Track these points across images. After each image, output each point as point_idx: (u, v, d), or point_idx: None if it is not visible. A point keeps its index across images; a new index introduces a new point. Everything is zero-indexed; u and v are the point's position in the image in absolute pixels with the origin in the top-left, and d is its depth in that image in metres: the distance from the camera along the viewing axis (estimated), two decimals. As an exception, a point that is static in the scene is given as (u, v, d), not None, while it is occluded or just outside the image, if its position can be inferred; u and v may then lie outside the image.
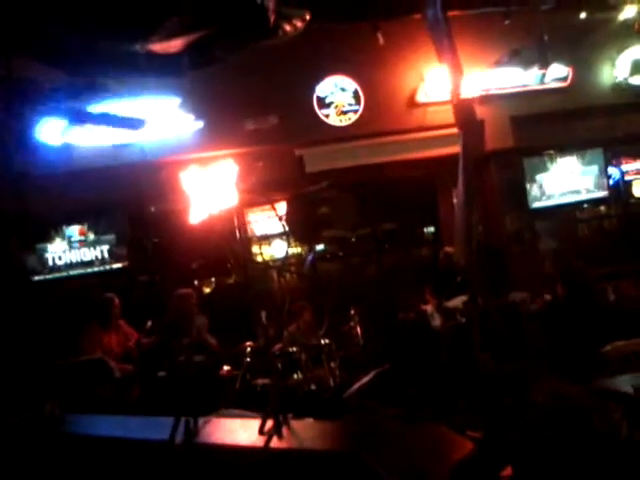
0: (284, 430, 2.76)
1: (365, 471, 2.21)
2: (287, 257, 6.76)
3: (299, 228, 6.88)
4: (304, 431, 2.85)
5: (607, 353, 4.58)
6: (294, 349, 5.40)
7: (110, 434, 3.18)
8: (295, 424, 2.88)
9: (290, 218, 5.99)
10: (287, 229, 3.92)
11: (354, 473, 2.27)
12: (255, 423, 2.94)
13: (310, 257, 5.32)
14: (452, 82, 4.27)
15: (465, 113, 4.00)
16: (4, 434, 3.38)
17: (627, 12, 7.89)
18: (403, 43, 7.72)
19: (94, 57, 4.70)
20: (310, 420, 3.47)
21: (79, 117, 4.56)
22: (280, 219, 3.77)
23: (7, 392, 4.37)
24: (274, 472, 2.51)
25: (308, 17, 5.36)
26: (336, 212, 8.60)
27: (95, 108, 6.06)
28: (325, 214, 8.68)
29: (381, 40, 7.02)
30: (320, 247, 8.61)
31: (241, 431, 2.91)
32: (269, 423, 2.76)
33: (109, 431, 3.25)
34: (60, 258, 7.40)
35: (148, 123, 4.74)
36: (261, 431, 2.73)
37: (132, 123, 4.65)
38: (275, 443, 2.63)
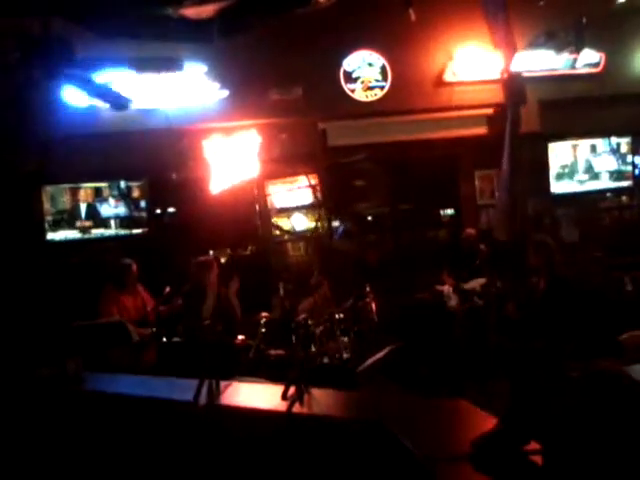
0: (305, 397, 2.79)
1: (386, 438, 2.23)
2: (313, 230, 6.75)
3: (334, 198, 6.86)
4: (324, 399, 2.88)
5: (624, 341, 4.56)
6: (309, 322, 5.43)
7: (131, 392, 3.23)
8: (315, 392, 2.92)
9: (326, 187, 5.96)
10: (318, 198, 3.90)
11: (375, 439, 2.30)
12: (275, 389, 2.99)
13: (341, 229, 5.31)
14: (504, 57, 4.19)
15: (516, 88, 3.94)
16: (30, 388, 3.45)
17: (666, -2, 7.72)
18: (434, 21, 7.62)
19: (126, 20, 4.70)
20: (329, 389, 3.50)
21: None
22: (313, 189, 3.75)
23: (29, 349, 4.44)
24: (296, 436, 2.54)
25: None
26: (371, 184, 8.53)
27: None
28: (361, 186, 8.60)
29: (413, 16, 6.90)
30: (336, 223, 8.57)
31: (262, 396, 2.95)
32: (291, 389, 2.80)
33: (130, 390, 3.30)
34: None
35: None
36: (284, 397, 2.77)
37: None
38: (297, 408, 2.66)
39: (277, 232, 8.11)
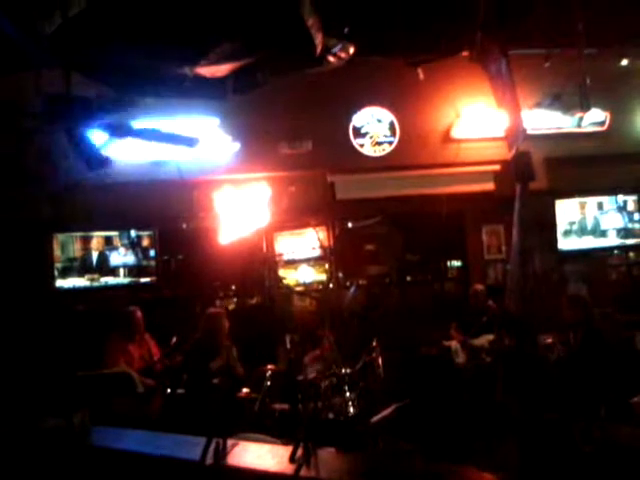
0: (313, 459, 2.76)
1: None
2: (320, 283, 6.78)
3: (346, 260, 6.93)
4: (331, 462, 2.85)
5: (635, 404, 4.51)
6: (315, 376, 5.40)
7: (138, 449, 3.20)
8: (322, 454, 2.88)
9: (338, 249, 6.02)
10: (331, 257, 3.94)
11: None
12: (282, 449, 2.95)
13: (353, 289, 5.34)
14: (511, 134, 4.28)
15: (523, 166, 4.01)
16: (34, 440, 3.42)
17: (667, 62, 7.92)
18: (441, 79, 7.80)
19: (143, 76, 4.84)
20: (334, 451, 3.46)
21: (132, 133, 4.67)
22: (324, 249, 3.80)
23: (34, 398, 4.42)
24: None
25: (352, 50, 5.48)
26: (383, 248, 8.59)
27: (138, 124, 6.19)
28: (373, 250, 8.65)
29: (421, 75, 7.11)
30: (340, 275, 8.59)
31: (269, 457, 2.92)
32: (299, 451, 2.77)
33: (136, 446, 3.27)
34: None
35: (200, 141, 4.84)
36: (292, 459, 2.74)
37: (189, 141, 4.75)
38: (304, 472, 2.63)
39: (281, 284, 8.14)
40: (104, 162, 4.50)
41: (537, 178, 7.51)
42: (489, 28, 4.27)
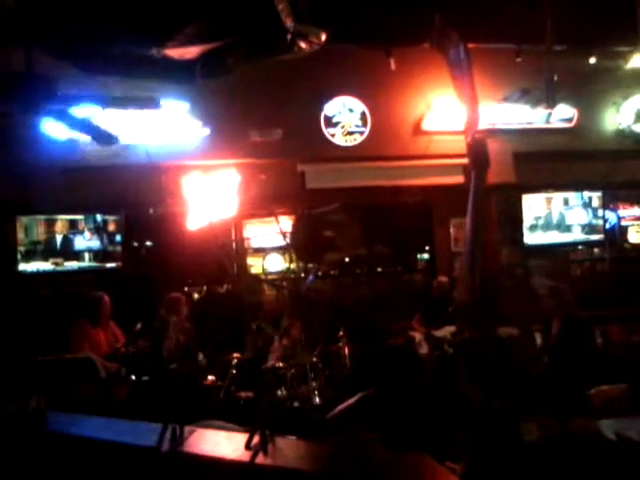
0: (269, 447, 2.76)
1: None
2: (287, 272, 6.76)
3: (304, 247, 6.92)
4: (289, 449, 2.85)
5: (591, 396, 4.61)
6: (280, 365, 5.41)
7: (95, 435, 3.17)
8: (280, 442, 2.89)
9: (296, 235, 6.01)
10: (289, 244, 3.92)
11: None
12: (240, 437, 2.95)
13: (311, 278, 5.33)
14: (468, 121, 4.29)
15: (479, 153, 4.01)
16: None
17: (634, 61, 8.03)
18: (413, 70, 7.80)
19: (109, 57, 4.75)
20: (294, 438, 3.47)
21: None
22: (284, 236, 3.78)
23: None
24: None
25: (324, 37, 5.43)
26: (340, 235, 8.59)
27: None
28: (330, 237, 8.65)
29: (393, 66, 7.08)
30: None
31: (227, 444, 2.91)
32: (255, 438, 2.77)
33: (94, 432, 3.24)
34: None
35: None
36: (248, 446, 2.74)
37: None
38: (260, 459, 2.63)
39: (253, 271, 8.12)
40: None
41: (505, 171, 7.62)
42: (448, 13, 4.27)
